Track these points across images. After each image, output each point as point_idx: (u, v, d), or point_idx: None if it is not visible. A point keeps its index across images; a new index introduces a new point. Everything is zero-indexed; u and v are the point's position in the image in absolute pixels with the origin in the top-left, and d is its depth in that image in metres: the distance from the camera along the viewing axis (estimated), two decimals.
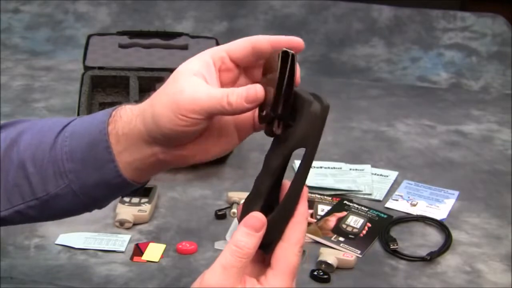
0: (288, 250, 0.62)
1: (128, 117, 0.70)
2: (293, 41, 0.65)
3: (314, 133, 0.61)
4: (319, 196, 1.26)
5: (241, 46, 0.66)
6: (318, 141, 0.61)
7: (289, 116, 0.62)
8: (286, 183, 0.64)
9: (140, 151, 0.69)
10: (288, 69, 0.60)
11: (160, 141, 0.67)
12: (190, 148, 0.68)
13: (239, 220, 0.62)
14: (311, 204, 1.23)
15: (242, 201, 0.65)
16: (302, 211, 0.62)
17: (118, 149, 0.69)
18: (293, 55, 0.60)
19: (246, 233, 0.60)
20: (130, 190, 0.74)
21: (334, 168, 1.39)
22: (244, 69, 0.69)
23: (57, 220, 1.07)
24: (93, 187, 0.71)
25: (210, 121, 0.66)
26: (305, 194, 0.64)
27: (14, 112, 1.59)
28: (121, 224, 1.12)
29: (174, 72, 0.71)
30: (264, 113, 0.62)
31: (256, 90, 0.63)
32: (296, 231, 0.62)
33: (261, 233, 0.61)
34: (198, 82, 0.66)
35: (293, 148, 0.62)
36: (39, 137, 0.73)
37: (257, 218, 0.61)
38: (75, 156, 0.70)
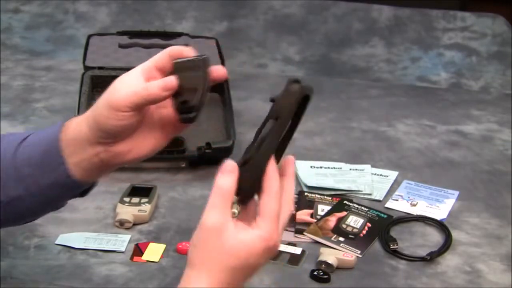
0: (269, 199, 0.71)
1: (77, 123, 0.81)
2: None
3: (288, 106, 0.73)
4: (319, 196, 1.26)
5: (162, 56, 0.79)
6: (291, 114, 0.72)
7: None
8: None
9: (86, 152, 0.80)
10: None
11: (101, 138, 0.79)
12: (126, 144, 0.80)
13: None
14: (311, 204, 1.23)
15: None
16: (273, 168, 0.72)
17: (68, 152, 0.80)
18: (207, 59, 0.75)
19: (221, 176, 0.73)
20: (80, 190, 0.85)
21: (334, 168, 1.39)
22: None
23: (57, 220, 1.08)
24: (48, 188, 0.82)
25: (140, 114, 0.78)
26: (291, 162, 0.75)
27: (14, 112, 1.59)
28: (121, 224, 1.12)
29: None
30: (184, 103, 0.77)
31: (171, 80, 0.76)
32: (271, 183, 0.72)
33: (234, 174, 0.72)
34: (127, 83, 0.80)
35: (269, 117, 0.73)
36: (2, 149, 0.84)
37: (229, 162, 0.73)
38: (32, 162, 0.81)
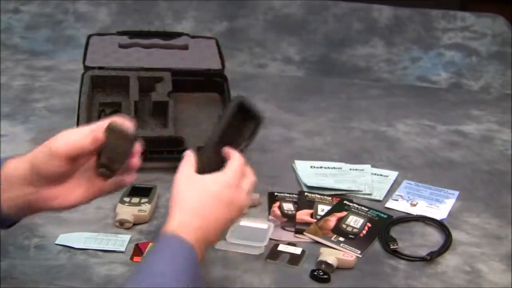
0: (234, 160, 0.93)
1: (17, 162, 0.87)
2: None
3: (226, 110, 0.96)
4: (319, 196, 1.26)
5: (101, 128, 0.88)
6: (228, 115, 0.95)
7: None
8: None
9: (17, 191, 0.87)
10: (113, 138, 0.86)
11: (35, 181, 0.86)
12: (54, 191, 0.88)
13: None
14: (311, 204, 1.23)
15: None
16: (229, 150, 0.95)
17: (3, 188, 0.87)
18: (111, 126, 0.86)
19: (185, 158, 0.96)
20: (7, 224, 0.93)
21: (334, 168, 1.39)
22: None
23: (57, 220, 1.08)
24: None
25: (74, 164, 0.87)
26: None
27: (14, 112, 1.60)
28: (121, 224, 1.12)
29: None
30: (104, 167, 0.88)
31: (100, 135, 0.86)
32: (234, 154, 0.94)
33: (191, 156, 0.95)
34: (68, 135, 0.87)
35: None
36: None
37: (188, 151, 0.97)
38: None
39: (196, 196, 0.89)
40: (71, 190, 0.89)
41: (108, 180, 0.90)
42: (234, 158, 0.94)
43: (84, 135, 0.86)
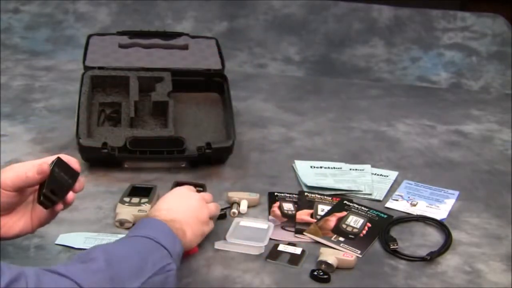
0: None
1: None
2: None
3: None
4: (319, 196, 1.26)
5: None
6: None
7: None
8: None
9: None
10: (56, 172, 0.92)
11: None
12: (3, 219, 0.93)
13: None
14: (311, 204, 1.23)
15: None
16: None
17: None
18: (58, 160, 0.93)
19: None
20: None
21: (334, 168, 1.39)
22: None
23: (57, 220, 1.07)
24: None
25: (20, 196, 0.93)
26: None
27: (14, 112, 1.60)
28: (121, 224, 1.12)
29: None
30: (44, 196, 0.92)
31: (45, 167, 0.91)
32: None
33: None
34: (16, 168, 0.92)
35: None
36: None
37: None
38: None
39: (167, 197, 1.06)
40: (16, 221, 0.95)
41: (46, 211, 0.94)
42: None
43: (31, 167, 0.91)
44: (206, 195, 1.12)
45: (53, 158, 0.94)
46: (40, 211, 0.94)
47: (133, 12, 2.29)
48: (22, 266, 0.92)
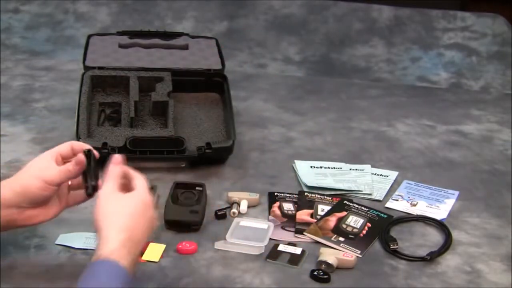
0: (139, 178, 0.98)
1: (1, 188, 0.96)
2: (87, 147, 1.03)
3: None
4: (319, 196, 1.26)
5: (65, 146, 1.02)
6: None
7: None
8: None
9: (1, 212, 0.96)
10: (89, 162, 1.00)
11: (23, 203, 0.97)
12: (36, 210, 0.99)
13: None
14: (311, 204, 1.23)
15: None
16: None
17: None
18: (89, 151, 1.01)
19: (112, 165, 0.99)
20: None
21: (334, 168, 1.39)
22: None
23: (57, 220, 1.08)
24: None
25: (58, 188, 1.00)
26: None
27: (14, 112, 1.59)
28: None
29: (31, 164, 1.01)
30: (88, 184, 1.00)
31: (81, 157, 0.99)
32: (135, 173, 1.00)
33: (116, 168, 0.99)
34: (46, 165, 0.99)
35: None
36: None
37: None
38: None
39: (125, 216, 0.92)
40: (49, 208, 1.01)
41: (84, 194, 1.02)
42: (138, 176, 0.99)
43: (53, 163, 1.00)
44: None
45: (64, 146, 1.02)
46: (79, 196, 1.04)
47: (133, 12, 2.28)
48: (22, 266, 0.93)
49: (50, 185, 0.98)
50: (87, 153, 1.00)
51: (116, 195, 0.94)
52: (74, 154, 1.02)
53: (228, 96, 1.49)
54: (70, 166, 0.99)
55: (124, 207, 0.92)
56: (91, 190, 0.99)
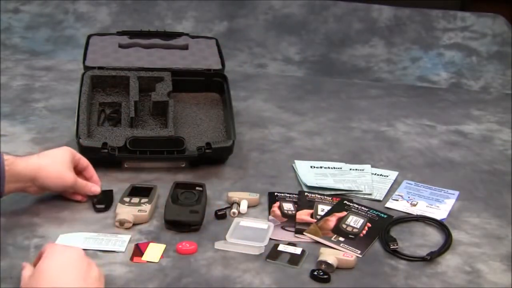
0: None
1: (24, 165, 1.11)
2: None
3: None
4: (319, 196, 1.26)
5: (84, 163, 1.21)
6: None
7: None
8: None
9: (21, 184, 1.12)
10: None
11: (36, 186, 1.14)
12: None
13: None
14: (311, 204, 1.23)
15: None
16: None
17: (9, 180, 1.09)
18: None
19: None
20: None
21: (334, 168, 1.39)
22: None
23: (57, 220, 1.08)
24: None
25: None
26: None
27: (14, 112, 1.59)
28: (121, 224, 1.12)
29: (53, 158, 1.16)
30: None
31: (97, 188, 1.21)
32: None
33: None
34: (71, 175, 1.16)
35: None
36: None
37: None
38: None
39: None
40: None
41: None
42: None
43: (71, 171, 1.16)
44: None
45: (83, 161, 1.21)
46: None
47: (133, 12, 2.29)
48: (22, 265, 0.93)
49: (67, 188, 1.16)
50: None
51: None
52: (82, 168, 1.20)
53: (228, 96, 1.49)
54: (88, 188, 1.19)
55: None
56: (100, 207, 1.19)
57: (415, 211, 1.24)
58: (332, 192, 1.29)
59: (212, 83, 1.55)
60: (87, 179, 1.21)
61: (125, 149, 1.31)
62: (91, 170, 1.22)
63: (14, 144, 1.42)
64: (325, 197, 1.26)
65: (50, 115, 1.60)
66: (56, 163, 1.14)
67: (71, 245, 0.97)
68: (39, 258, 0.91)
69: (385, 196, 1.29)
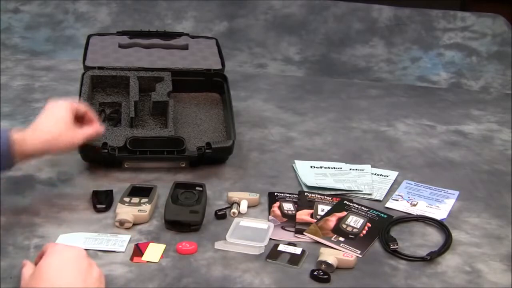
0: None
1: (32, 141, 1.14)
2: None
3: None
4: (319, 196, 1.26)
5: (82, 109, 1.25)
6: None
7: None
8: None
9: (30, 156, 1.16)
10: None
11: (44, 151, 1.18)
12: None
13: None
14: (311, 204, 1.23)
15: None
16: None
17: (19, 157, 1.12)
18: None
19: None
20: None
21: (334, 168, 1.39)
22: None
23: (57, 220, 1.08)
24: None
25: None
26: None
27: (14, 112, 1.60)
28: (121, 224, 1.12)
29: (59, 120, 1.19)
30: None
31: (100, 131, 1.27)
32: None
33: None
34: (77, 133, 1.21)
35: None
36: None
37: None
38: None
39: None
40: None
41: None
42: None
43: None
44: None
45: (81, 107, 1.24)
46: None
47: (133, 12, 2.29)
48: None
49: (73, 147, 1.22)
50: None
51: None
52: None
53: (228, 96, 1.49)
54: (89, 130, 1.22)
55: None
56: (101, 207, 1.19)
57: (415, 211, 1.24)
58: (332, 192, 1.29)
59: (212, 83, 1.55)
60: (88, 122, 1.25)
61: (125, 149, 1.31)
62: (89, 113, 1.25)
63: None
64: (325, 197, 1.26)
65: None
66: (62, 131, 1.17)
67: (73, 245, 0.97)
68: (40, 257, 0.91)
69: (385, 196, 1.29)
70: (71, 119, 1.19)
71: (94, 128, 1.24)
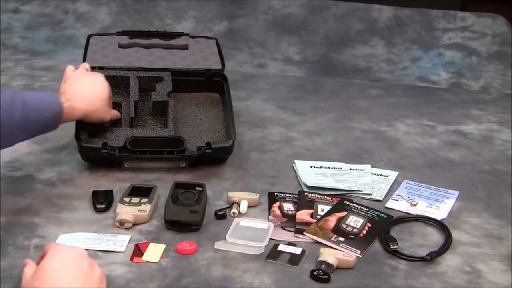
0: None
1: (70, 111, 1.24)
2: None
3: None
4: (319, 196, 1.26)
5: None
6: None
7: None
8: None
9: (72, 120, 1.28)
10: None
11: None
12: None
13: None
14: (311, 204, 1.23)
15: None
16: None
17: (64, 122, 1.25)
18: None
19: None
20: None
21: (334, 168, 1.39)
22: None
23: (57, 220, 1.08)
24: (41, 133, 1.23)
25: None
26: None
27: None
28: (121, 224, 1.12)
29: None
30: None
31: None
32: None
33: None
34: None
35: None
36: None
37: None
38: (41, 123, 1.21)
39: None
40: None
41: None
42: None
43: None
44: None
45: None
46: None
47: (133, 12, 2.29)
48: (22, 265, 0.93)
49: (102, 121, 1.33)
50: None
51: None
52: None
53: (228, 96, 1.49)
54: (115, 112, 1.36)
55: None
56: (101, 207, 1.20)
57: (415, 211, 1.24)
58: (332, 192, 1.29)
59: (212, 83, 1.55)
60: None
61: (125, 149, 1.31)
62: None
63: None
64: (325, 197, 1.26)
65: None
66: (101, 106, 1.30)
67: (74, 245, 0.97)
68: (42, 257, 0.91)
69: (385, 196, 1.29)
70: (109, 98, 1.33)
71: (116, 111, 1.37)
